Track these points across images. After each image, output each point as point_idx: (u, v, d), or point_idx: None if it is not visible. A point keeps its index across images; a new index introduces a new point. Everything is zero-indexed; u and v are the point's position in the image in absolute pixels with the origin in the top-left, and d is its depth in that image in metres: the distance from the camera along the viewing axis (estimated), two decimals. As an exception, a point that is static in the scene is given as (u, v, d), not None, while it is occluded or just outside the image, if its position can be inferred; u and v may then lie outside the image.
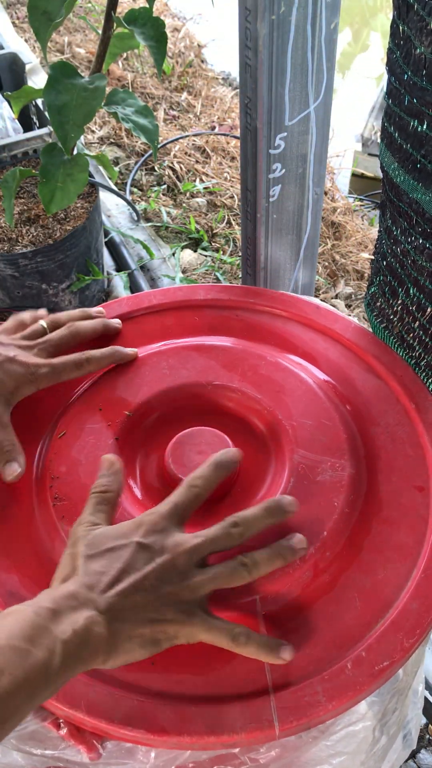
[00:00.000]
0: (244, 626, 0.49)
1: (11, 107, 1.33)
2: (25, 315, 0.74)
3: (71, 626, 0.44)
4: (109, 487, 0.55)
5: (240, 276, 1.42)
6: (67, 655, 0.43)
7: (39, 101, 1.60)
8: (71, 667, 0.44)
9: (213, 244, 1.82)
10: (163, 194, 1.96)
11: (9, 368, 0.64)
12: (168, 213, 1.87)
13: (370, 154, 2.22)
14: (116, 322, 0.74)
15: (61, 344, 0.69)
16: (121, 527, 0.51)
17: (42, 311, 0.75)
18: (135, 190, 1.98)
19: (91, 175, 1.33)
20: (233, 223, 1.87)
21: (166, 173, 2.00)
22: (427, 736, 1.06)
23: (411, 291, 0.69)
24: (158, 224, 1.83)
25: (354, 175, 2.25)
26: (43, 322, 0.71)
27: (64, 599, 0.46)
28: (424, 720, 1.05)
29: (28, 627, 0.43)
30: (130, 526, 0.51)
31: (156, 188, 1.96)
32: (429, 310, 0.68)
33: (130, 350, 0.71)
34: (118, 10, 1.12)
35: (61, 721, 0.51)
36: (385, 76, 0.62)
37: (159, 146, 2.04)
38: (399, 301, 0.72)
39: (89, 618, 0.45)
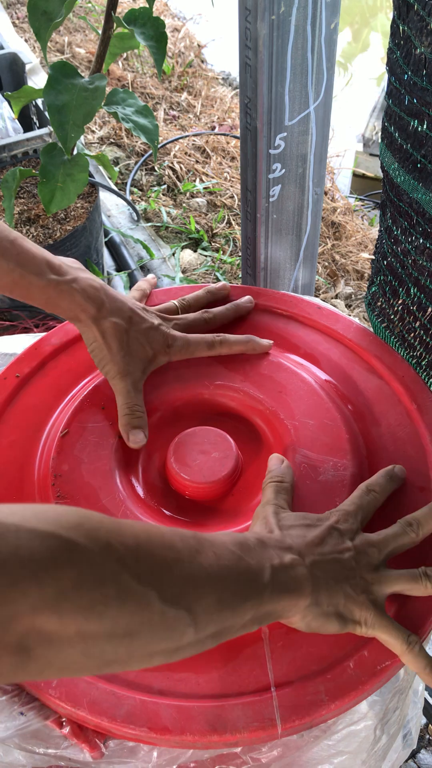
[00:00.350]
0: (415, 636, 0.51)
1: (11, 107, 1.33)
2: (143, 284, 0.76)
3: (279, 558, 0.47)
4: (284, 478, 0.58)
5: (240, 276, 1.42)
6: (276, 581, 0.45)
7: (39, 101, 1.60)
8: (278, 595, 0.45)
9: (213, 244, 1.82)
10: (163, 194, 1.96)
11: (152, 336, 0.67)
12: (168, 213, 1.87)
13: (371, 155, 2.22)
14: (248, 301, 0.75)
15: (194, 326, 0.71)
16: (311, 515, 0.54)
17: (152, 277, 0.79)
18: (135, 190, 1.98)
19: (91, 175, 1.33)
20: (233, 223, 1.87)
21: (166, 173, 2.00)
22: (427, 736, 1.06)
23: (412, 291, 0.69)
24: (158, 224, 1.83)
25: (355, 175, 2.25)
26: (175, 302, 0.73)
27: (271, 539, 0.48)
28: (424, 720, 1.05)
29: (241, 542, 0.46)
30: (321, 515, 0.54)
31: (156, 188, 1.96)
32: (430, 309, 0.68)
33: (265, 342, 0.71)
34: (118, 10, 1.12)
35: (63, 719, 0.52)
36: (386, 77, 0.62)
37: (159, 146, 2.04)
38: (400, 301, 0.72)
39: (295, 560, 0.48)
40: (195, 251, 1.78)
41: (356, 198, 2.16)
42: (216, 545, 0.44)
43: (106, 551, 0.38)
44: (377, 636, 0.51)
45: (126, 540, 0.39)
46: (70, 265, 0.66)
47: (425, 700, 0.97)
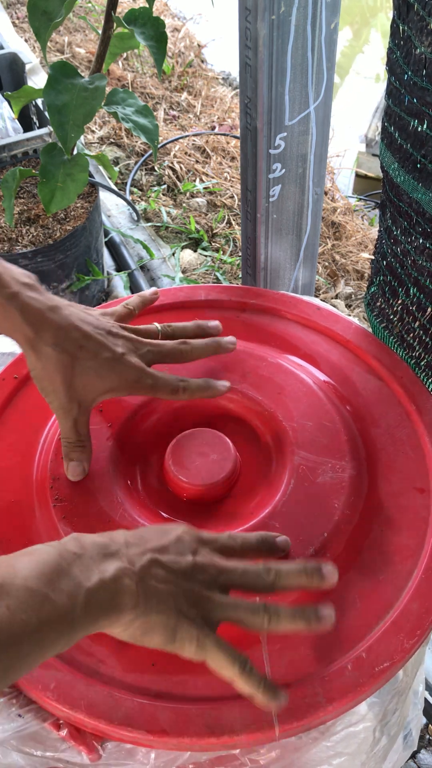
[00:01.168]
0: (248, 660, 0.47)
1: (11, 107, 1.33)
2: (136, 300, 0.68)
3: (99, 574, 0.41)
4: None
5: (240, 276, 1.42)
6: (91, 605, 0.40)
7: (39, 101, 1.60)
8: (93, 620, 0.41)
9: (213, 244, 1.81)
10: (163, 194, 1.95)
11: (114, 368, 0.59)
12: (168, 213, 1.87)
13: (373, 155, 2.22)
14: (231, 342, 0.67)
15: (169, 356, 0.63)
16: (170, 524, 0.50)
17: (153, 291, 0.70)
18: (135, 190, 1.98)
19: (91, 175, 1.33)
20: (233, 223, 1.87)
21: (166, 173, 2.00)
22: (427, 736, 1.06)
23: (411, 291, 0.69)
24: (158, 224, 1.83)
25: (358, 175, 2.25)
26: (158, 325, 0.66)
27: (95, 547, 0.43)
28: (424, 720, 1.04)
29: (49, 569, 0.40)
30: (173, 524, 0.50)
31: (156, 188, 1.96)
32: (429, 310, 0.68)
33: (221, 385, 0.65)
34: (118, 10, 1.12)
35: (61, 722, 0.51)
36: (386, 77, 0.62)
37: (159, 146, 2.04)
38: (399, 301, 0.72)
39: (121, 569, 0.42)
40: (195, 251, 1.78)
41: (357, 198, 2.15)
42: (13, 591, 0.38)
43: None
44: (207, 658, 0.46)
45: None
46: (19, 279, 0.57)
47: (425, 701, 0.97)
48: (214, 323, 0.69)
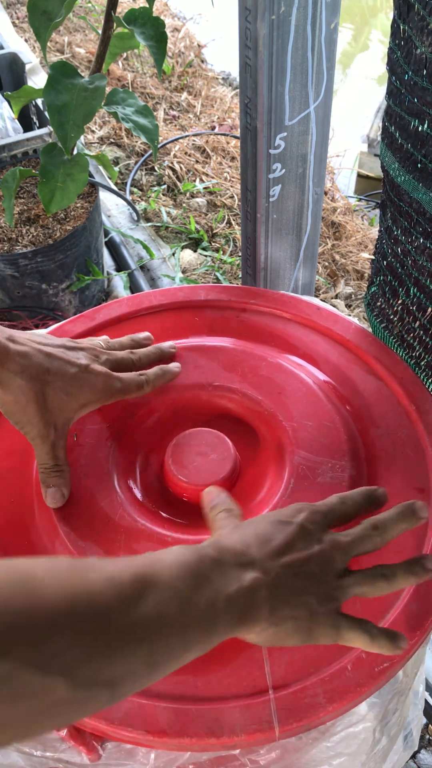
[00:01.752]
0: (371, 623, 0.47)
1: (11, 107, 1.33)
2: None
3: (237, 582, 0.42)
4: (231, 506, 0.53)
5: (240, 276, 1.42)
6: (229, 612, 0.41)
7: (39, 101, 1.60)
8: (230, 627, 0.42)
9: (213, 244, 1.81)
10: (163, 194, 1.95)
11: (84, 380, 0.59)
12: (168, 213, 1.87)
13: (375, 155, 2.22)
14: (171, 347, 0.71)
15: (123, 364, 0.65)
16: (274, 512, 0.50)
17: (143, 336, 0.72)
18: (135, 190, 1.98)
19: (91, 175, 1.33)
20: (233, 223, 1.87)
21: (166, 173, 2.00)
22: (427, 736, 1.06)
23: (411, 291, 0.69)
24: (158, 224, 1.83)
25: (360, 175, 2.25)
26: (101, 342, 0.66)
27: (231, 553, 0.44)
28: (424, 720, 1.04)
29: (191, 573, 0.40)
30: (291, 510, 0.49)
31: (156, 188, 1.96)
32: (429, 310, 0.68)
33: (174, 367, 0.68)
34: (118, 10, 1.12)
35: (61, 722, 0.51)
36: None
37: (159, 146, 2.04)
38: (399, 301, 0.72)
39: (256, 579, 0.43)
40: (195, 251, 1.78)
41: (357, 198, 2.15)
42: (161, 586, 0.39)
43: (4, 643, 0.32)
44: (340, 641, 0.47)
45: (37, 620, 0.33)
46: None
47: (425, 701, 0.97)
48: (144, 334, 0.71)
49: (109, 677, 0.36)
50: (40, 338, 0.60)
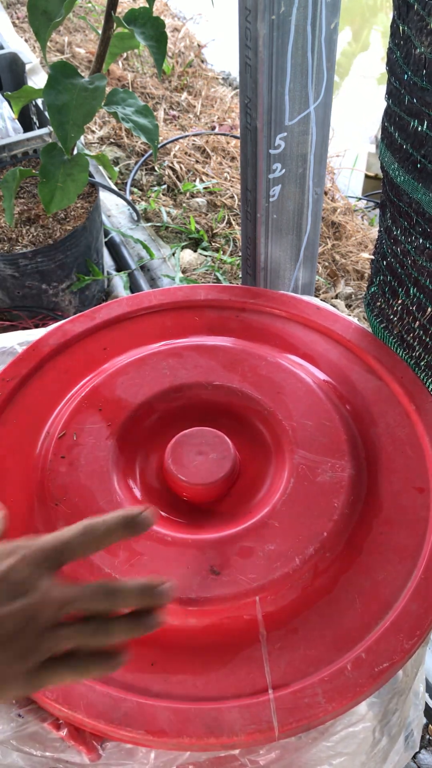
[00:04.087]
0: (81, 651, 0.43)
1: (11, 107, 1.33)
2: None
3: None
4: None
5: (240, 276, 1.42)
6: None
7: (39, 101, 1.60)
8: None
9: (213, 244, 1.81)
10: (163, 194, 1.95)
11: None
12: (168, 213, 1.87)
13: (383, 156, 2.22)
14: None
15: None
16: None
17: None
18: (135, 190, 1.98)
19: (91, 175, 1.33)
20: (233, 223, 1.87)
21: (166, 173, 2.00)
22: (428, 736, 1.06)
23: (411, 291, 0.69)
24: (158, 224, 1.83)
25: (367, 176, 2.25)
26: None
27: None
28: (424, 720, 1.04)
29: None
30: (3, 550, 0.43)
31: (156, 188, 1.96)
32: (429, 310, 0.68)
33: None
34: (118, 10, 1.12)
35: (61, 722, 0.51)
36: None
37: (159, 146, 2.04)
38: (399, 301, 0.72)
39: None
40: (195, 251, 1.78)
41: (357, 198, 2.15)
42: None
43: None
44: (47, 687, 0.43)
45: None
46: None
47: (426, 702, 0.97)
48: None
49: None
50: None
